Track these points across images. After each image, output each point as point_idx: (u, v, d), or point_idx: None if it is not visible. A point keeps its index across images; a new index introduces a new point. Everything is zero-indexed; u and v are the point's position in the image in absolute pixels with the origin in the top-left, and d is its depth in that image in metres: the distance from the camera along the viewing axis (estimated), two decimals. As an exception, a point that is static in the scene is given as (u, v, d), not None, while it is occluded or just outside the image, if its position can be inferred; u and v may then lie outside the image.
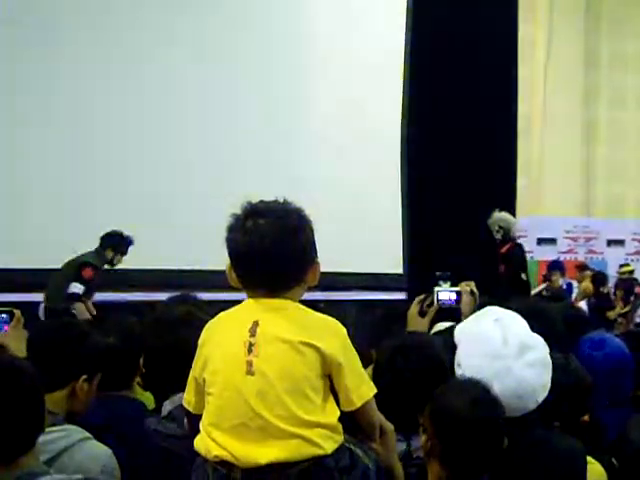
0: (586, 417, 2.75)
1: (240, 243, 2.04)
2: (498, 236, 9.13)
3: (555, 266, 10.95)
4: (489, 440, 2.16)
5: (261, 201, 2.09)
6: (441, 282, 3.43)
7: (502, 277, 8.99)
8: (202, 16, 9.54)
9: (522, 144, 11.54)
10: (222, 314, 2.11)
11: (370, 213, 10.05)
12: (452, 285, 3.40)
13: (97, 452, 2.39)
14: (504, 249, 9.21)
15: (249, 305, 2.07)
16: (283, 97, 9.85)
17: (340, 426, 2.00)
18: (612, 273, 12.31)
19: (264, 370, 1.94)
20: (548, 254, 12.90)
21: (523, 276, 9.21)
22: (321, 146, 10.00)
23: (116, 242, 7.83)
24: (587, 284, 11.09)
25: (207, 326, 2.11)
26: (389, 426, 2.14)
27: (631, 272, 11.95)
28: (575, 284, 11.41)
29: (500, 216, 9.18)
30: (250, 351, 1.96)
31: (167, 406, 2.59)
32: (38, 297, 7.70)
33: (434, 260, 9.26)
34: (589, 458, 2.53)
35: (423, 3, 10.13)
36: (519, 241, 9.69)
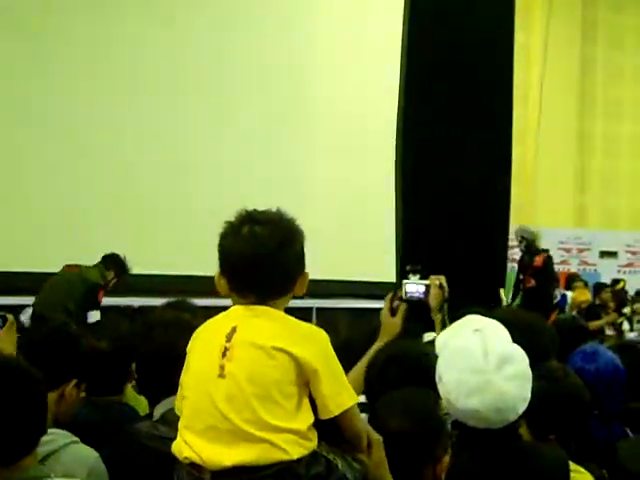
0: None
1: (235, 249, 2.03)
2: (521, 247, 9.06)
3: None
4: (423, 453, 2.15)
5: (255, 209, 2.09)
6: (410, 275, 3.42)
7: (530, 291, 8.85)
8: (203, 15, 9.56)
9: (516, 154, 11.55)
10: (208, 321, 2.11)
11: (364, 223, 10.07)
12: (421, 279, 3.38)
13: (84, 455, 2.41)
14: (539, 262, 9.09)
15: (233, 312, 2.07)
16: (282, 98, 9.87)
17: (312, 433, 1.98)
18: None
19: (235, 374, 1.94)
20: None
21: (557, 292, 9.16)
22: (319, 154, 10.03)
23: (120, 267, 7.71)
24: (577, 294, 11.13)
25: (195, 333, 2.12)
26: (376, 437, 2.10)
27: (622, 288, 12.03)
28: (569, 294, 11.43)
29: (522, 227, 9.14)
30: (224, 355, 1.96)
31: (159, 409, 2.59)
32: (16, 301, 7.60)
33: (427, 270, 9.26)
34: (580, 468, 2.53)
35: (420, 9, 10.13)
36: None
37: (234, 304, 2.08)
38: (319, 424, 2.01)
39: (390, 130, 10.29)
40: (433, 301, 3.27)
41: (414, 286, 3.32)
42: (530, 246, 9.10)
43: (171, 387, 2.49)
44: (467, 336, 2.36)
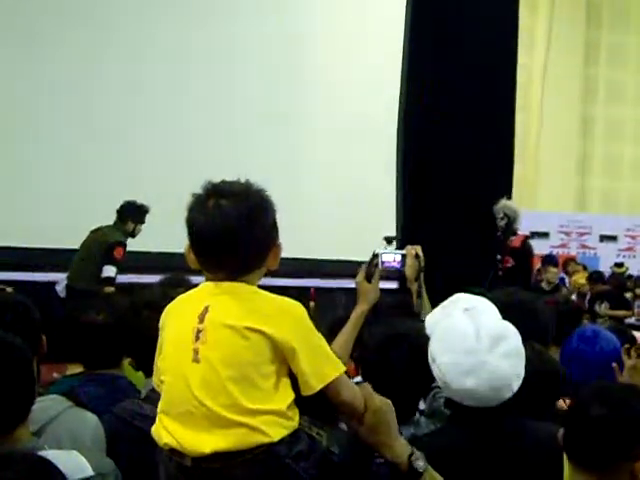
0: (563, 404, 2.74)
1: (201, 224, 1.96)
2: (502, 223, 9.00)
3: (550, 260, 10.96)
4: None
5: (223, 181, 2.01)
6: (386, 245, 3.37)
7: (508, 271, 8.84)
8: (202, 15, 9.58)
9: (518, 137, 11.53)
10: (179, 297, 2.06)
11: (365, 202, 10.06)
12: (397, 249, 3.32)
13: (86, 418, 2.45)
14: (516, 242, 9.08)
15: (204, 288, 2.01)
16: (281, 88, 9.89)
17: (293, 411, 1.93)
18: (604, 268, 12.38)
19: (209, 358, 1.89)
20: (541, 248, 12.91)
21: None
22: (318, 134, 10.02)
23: (134, 212, 7.86)
24: (577, 278, 11.15)
25: (166, 309, 2.07)
26: (376, 403, 2.02)
27: (624, 272, 12.05)
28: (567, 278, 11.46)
29: (507, 204, 9.10)
30: (197, 338, 1.91)
31: (146, 387, 2.59)
32: (52, 277, 7.86)
33: (428, 250, 9.25)
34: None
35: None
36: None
37: (206, 280, 2.02)
38: (306, 398, 1.95)
39: (392, 111, 10.29)
40: (409, 271, 3.23)
41: (390, 255, 3.23)
42: (510, 225, 9.05)
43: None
44: (458, 316, 2.36)
